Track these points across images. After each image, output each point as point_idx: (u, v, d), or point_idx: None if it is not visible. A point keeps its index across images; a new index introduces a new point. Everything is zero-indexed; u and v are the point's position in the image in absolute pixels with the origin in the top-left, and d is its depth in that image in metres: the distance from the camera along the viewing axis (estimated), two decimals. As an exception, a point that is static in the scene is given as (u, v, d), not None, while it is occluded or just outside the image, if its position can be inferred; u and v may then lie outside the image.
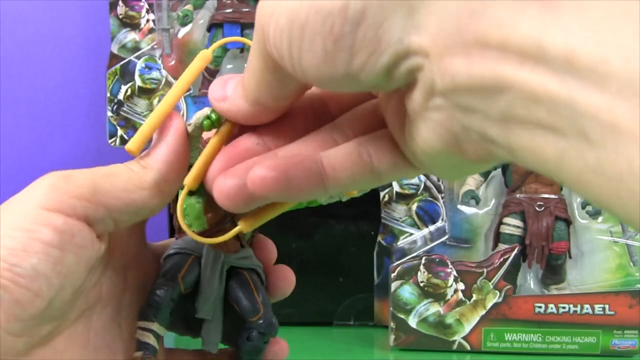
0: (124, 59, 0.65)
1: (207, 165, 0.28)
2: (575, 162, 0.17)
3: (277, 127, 0.27)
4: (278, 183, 0.24)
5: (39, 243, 0.25)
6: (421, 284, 0.60)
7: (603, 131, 0.16)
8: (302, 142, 0.26)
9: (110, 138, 0.65)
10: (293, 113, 0.27)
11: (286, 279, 0.34)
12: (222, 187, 0.25)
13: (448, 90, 0.20)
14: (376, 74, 0.21)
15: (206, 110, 0.29)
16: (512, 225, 0.60)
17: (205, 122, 0.29)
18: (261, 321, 0.32)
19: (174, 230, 0.34)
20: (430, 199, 0.62)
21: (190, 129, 0.30)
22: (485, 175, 0.61)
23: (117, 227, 0.28)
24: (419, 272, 0.60)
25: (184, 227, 0.30)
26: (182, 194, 0.29)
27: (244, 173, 0.25)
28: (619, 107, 0.16)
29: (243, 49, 0.65)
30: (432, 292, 0.60)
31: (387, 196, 0.63)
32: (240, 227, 0.29)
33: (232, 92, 0.26)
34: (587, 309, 0.59)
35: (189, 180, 0.29)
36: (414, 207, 0.63)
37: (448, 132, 0.21)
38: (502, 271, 0.60)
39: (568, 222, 0.60)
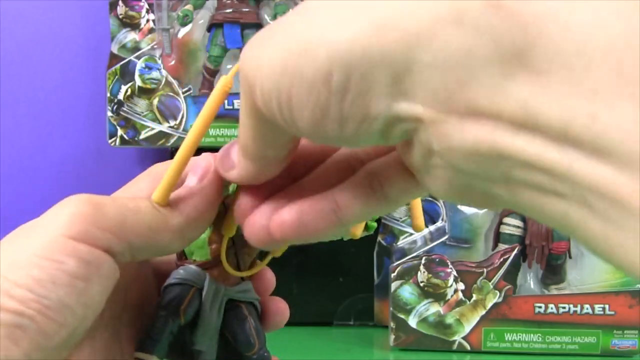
0: (124, 59, 0.65)
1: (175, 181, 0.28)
2: (580, 225, 0.17)
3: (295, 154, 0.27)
4: (295, 228, 0.24)
5: (66, 275, 0.25)
6: (421, 284, 0.60)
7: (607, 204, 0.16)
8: (321, 172, 0.27)
9: (110, 138, 0.65)
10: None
11: (280, 312, 0.34)
12: (253, 228, 0.26)
13: (445, 152, 0.19)
14: (370, 138, 0.21)
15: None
16: (512, 225, 0.60)
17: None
18: (255, 357, 0.33)
19: None
20: (430, 199, 0.62)
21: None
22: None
23: (133, 260, 0.29)
24: (419, 272, 0.60)
25: (226, 266, 0.31)
26: (224, 244, 0.31)
27: (270, 214, 0.25)
28: (621, 181, 0.15)
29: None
30: (432, 292, 0.60)
31: (387, 196, 0.63)
32: (272, 254, 0.31)
33: (235, 157, 0.26)
34: (587, 309, 0.59)
35: (227, 229, 0.30)
36: (414, 207, 0.63)
37: (452, 186, 0.21)
38: (502, 271, 0.60)
39: (568, 222, 0.60)
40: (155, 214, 0.28)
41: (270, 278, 0.34)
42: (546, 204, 0.18)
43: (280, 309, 0.34)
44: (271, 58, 0.21)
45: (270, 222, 0.25)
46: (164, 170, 0.31)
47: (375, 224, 0.33)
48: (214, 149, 0.30)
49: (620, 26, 0.16)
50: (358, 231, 0.31)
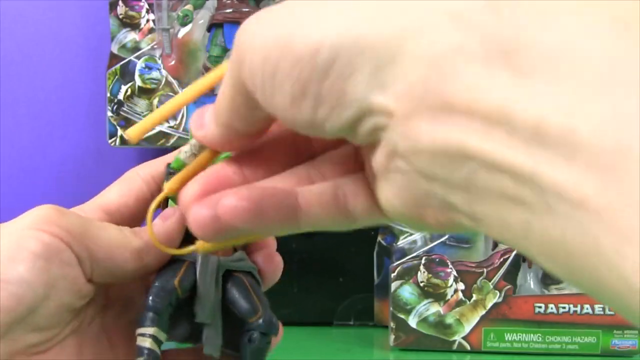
0: (124, 59, 0.65)
1: (154, 123, 0.30)
2: (539, 235, 0.17)
3: (257, 159, 0.27)
4: (249, 213, 0.23)
5: (25, 252, 0.27)
6: (421, 284, 0.60)
7: (568, 207, 0.16)
8: (279, 177, 0.26)
9: (110, 138, 0.65)
10: (275, 146, 0.27)
11: (270, 260, 0.34)
12: (197, 216, 0.25)
13: (409, 153, 0.19)
14: (340, 127, 0.21)
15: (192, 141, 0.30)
16: (512, 225, 0.60)
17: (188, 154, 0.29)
18: (261, 321, 0.32)
19: None
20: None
21: (183, 156, 0.30)
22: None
23: (92, 277, 0.29)
24: (419, 272, 0.60)
25: (150, 233, 0.30)
26: (160, 197, 0.30)
27: (219, 199, 0.24)
28: (585, 182, 0.15)
29: (243, 49, 0.65)
30: (432, 292, 0.60)
31: (387, 196, 0.63)
32: (196, 246, 0.29)
33: (207, 119, 0.26)
34: (587, 309, 0.59)
35: (170, 188, 0.30)
36: (414, 207, 0.63)
37: (409, 195, 0.21)
38: (502, 271, 0.60)
39: (568, 222, 0.60)
40: (119, 233, 0.30)
41: (277, 261, 0.35)
42: (506, 214, 0.17)
43: (269, 254, 0.34)
44: (265, 32, 0.22)
45: (219, 207, 0.23)
46: (136, 176, 0.32)
47: None
48: None
49: (605, 36, 0.16)
50: None
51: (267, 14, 0.22)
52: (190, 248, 0.30)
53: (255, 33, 0.22)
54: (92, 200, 0.32)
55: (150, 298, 0.31)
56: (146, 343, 0.30)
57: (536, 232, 0.17)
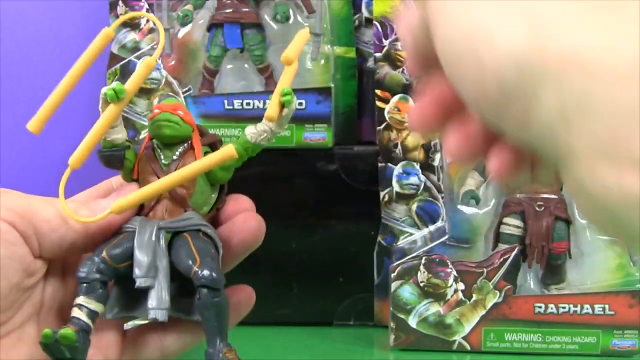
0: (124, 59, 0.65)
1: (92, 144, 0.33)
2: None
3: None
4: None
5: None
6: (421, 284, 0.60)
7: None
8: None
9: (110, 138, 0.65)
10: None
11: (249, 219, 0.34)
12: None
13: (599, 199, 0.19)
14: (519, 141, 0.21)
15: (112, 84, 0.32)
16: (512, 225, 0.60)
17: (109, 92, 0.32)
18: (199, 273, 0.31)
19: None
20: (430, 199, 0.62)
21: (100, 103, 0.33)
22: (485, 175, 0.61)
23: (41, 253, 0.29)
24: (419, 272, 0.60)
25: (63, 205, 0.31)
26: (66, 174, 0.31)
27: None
28: None
29: (243, 49, 0.65)
30: (432, 292, 0.60)
31: (387, 196, 0.63)
32: (111, 209, 0.30)
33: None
34: (587, 309, 0.59)
35: (74, 160, 0.32)
36: (414, 207, 0.63)
37: (598, 217, 0.21)
38: (502, 271, 0.60)
39: (568, 222, 0.60)
40: (67, 206, 0.30)
41: (245, 201, 0.35)
42: None
43: (239, 204, 0.35)
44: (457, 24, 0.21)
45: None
46: (108, 181, 0.33)
47: (291, 100, 0.33)
48: None
49: None
50: (274, 114, 0.32)
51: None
52: (104, 214, 0.30)
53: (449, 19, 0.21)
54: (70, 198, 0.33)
55: (79, 270, 0.31)
56: (73, 312, 0.31)
57: None
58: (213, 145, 0.35)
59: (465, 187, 0.61)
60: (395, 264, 0.61)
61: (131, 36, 0.65)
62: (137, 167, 0.34)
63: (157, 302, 0.31)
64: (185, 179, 0.31)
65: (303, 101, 0.63)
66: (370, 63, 0.69)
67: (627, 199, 0.18)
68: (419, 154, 0.62)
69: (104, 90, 0.32)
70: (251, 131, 0.34)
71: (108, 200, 0.32)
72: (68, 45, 0.76)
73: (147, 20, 0.65)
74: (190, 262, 0.31)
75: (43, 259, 0.30)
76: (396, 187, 0.63)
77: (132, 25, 0.66)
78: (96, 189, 0.34)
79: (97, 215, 0.30)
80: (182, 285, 0.33)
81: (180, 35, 0.65)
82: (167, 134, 0.34)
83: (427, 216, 0.63)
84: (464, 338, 0.60)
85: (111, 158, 0.33)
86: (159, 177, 0.33)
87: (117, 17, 0.65)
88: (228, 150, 0.31)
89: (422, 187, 0.62)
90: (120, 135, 0.33)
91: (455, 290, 0.60)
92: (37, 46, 0.76)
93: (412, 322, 0.61)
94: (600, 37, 0.18)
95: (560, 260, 0.60)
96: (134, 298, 0.33)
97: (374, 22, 0.62)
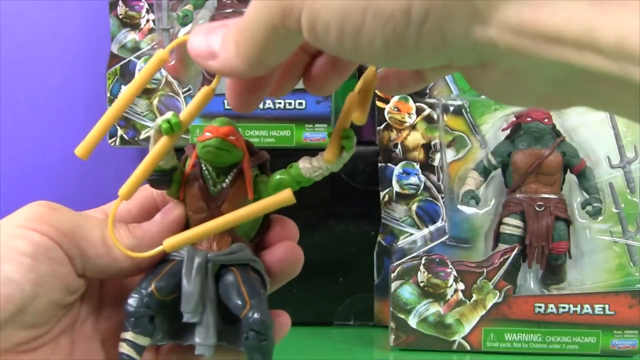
0: (124, 59, 0.65)
1: (143, 178, 0.30)
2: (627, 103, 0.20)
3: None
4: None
5: (13, 251, 0.27)
6: (421, 284, 0.60)
7: None
8: None
9: (110, 138, 0.65)
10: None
11: (291, 252, 0.34)
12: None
13: (526, 68, 0.21)
14: (441, 63, 0.22)
15: (168, 114, 0.29)
16: (512, 225, 0.60)
17: (164, 125, 0.29)
18: (250, 316, 0.31)
19: None
20: (430, 199, 0.62)
21: (152, 132, 0.30)
22: (485, 175, 0.61)
23: (84, 273, 0.29)
24: (419, 272, 0.60)
25: (113, 239, 0.30)
26: (115, 205, 0.30)
27: None
28: None
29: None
30: (432, 292, 0.60)
31: (387, 196, 0.63)
32: (163, 247, 0.29)
33: (222, 50, 0.26)
34: (587, 309, 0.59)
35: (125, 192, 0.30)
36: (414, 207, 0.63)
37: (531, 94, 0.23)
38: (502, 271, 0.60)
39: (568, 222, 0.60)
40: (118, 241, 0.30)
41: (291, 227, 0.34)
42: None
43: (287, 253, 0.34)
44: None
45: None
46: (148, 187, 0.32)
47: (352, 145, 0.31)
48: None
49: None
50: (333, 157, 0.31)
51: None
52: (156, 250, 0.30)
53: None
54: (100, 207, 0.33)
55: (127, 302, 0.31)
56: (122, 348, 0.30)
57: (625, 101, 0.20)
58: (263, 165, 0.34)
59: (465, 187, 0.61)
60: (395, 264, 0.61)
61: (131, 36, 0.65)
62: (184, 187, 0.33)
63: (204, 339, 0.32)
64: (241, 221, 0.30)
65: (303, 101, 0.63)
66: (370, 63, 0.69)
67: (543, 64, 0.21)
68: (419, 154, 0.62)
69: (159, 122, 0.30)
70: (306, 165, 0.32)
71: (154, 225, 0.31)
72: (68, 45, 0.76)
73: (147, 20, 0.65)
74: (240, 302, 0.31)
75: (85, 278, 0.30)
76: (396, 187, 0.63)
77: (132, 25, 0.66)
78: (138, 202, 0.33)
79: (148, 252, 0.30)
80: (226, 313, 0.33)
81: (180, 35, 0.65)
82: (217, 162, 0.32)
83: (427, 216, 0.63)
84: (464, 338, 0.60)
85: (159, 181, 0.32)
86: (207, 205, 0.32)
87: (117, 17, 0.65)
88: (286, 197, 0.30)
89: (422, 187, 0.62)
90: (170, 163, 0.32)
91: (455, 290, 0.60)
92: (37, 46, 0.76)
93: (412, 322, 0.61)
94: None
95: (560, 260, 0.60)
96: (179, 325, 0.32)
97: (374, 22, 0.62)
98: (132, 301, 0.31)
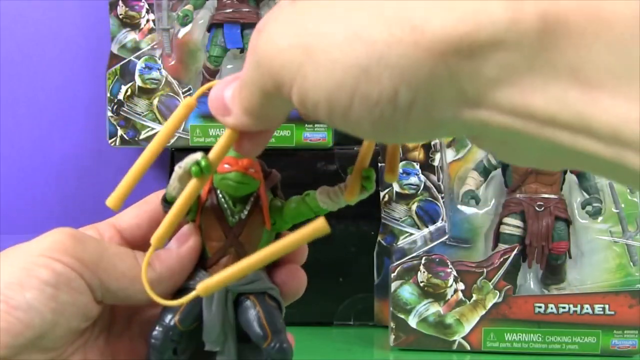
0: (124, 59, 0.65)
1: (176, 223, 0.30)
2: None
3: None
4: None
5: (35, 280, 0.27)
6: (421, 284, 0.60)
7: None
8: None
9: (110, 138, 0.65)
10: None
11: (293, 276, 0.34)
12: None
13: (508, 144, 0.21)
14: (433, 138, 0.23)
15: (197, 156, 0.29)
16: (512, 225, 0.60)
17: (193, 168, 0.29)
18: (272, 347, 0.31)
19: None
20: (430, 199, 0.62)
21: (180, 172, 0.30)
22: (485, 175, 0.61)
23: (103, 299, 0.30)
24: (419, 272, 0.60)
25: (145, 285, 0.30)
26: (149, 253, 0.30)
27: None
28: None
29: (243, 49, 0.65)
30: (432, 292, 0.60)
31: (387, 196, 0.63)
32: (198, 291, 0.29)
33: (233, 106, 0.26)
34: (587, 309, 0.59)
35: (157, 239, 0.30)
36: (414, 207, 0.63)
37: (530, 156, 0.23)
38: (502, 271, 0.60)
39: (568, 222, 0.60)
40: (134, 264, 0.30)
41: (300, 277, 0.34)
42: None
43: (293, 273, 0.34)
44: (318, 68, 0.21)
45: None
46: (154, 199, 0.33)
47: (373, 186, 0.32)
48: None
49: None
50: (353, 196, 0.31)
51: (294, 28, 0.22)
52: (192, 295, 0.29)
53: (301, 64, 0.22)
54: (108, 219, 0.33)
55: (151, 335, 0.31)
56: None
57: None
58: (275, 188, 0.34)
59: (465, 187, 0.61)
60: (395, 264, 0.61)
61: (131, 36, 0.65)
62: (200, 214, 0.33)
63: None
64: (276, 257, 0.30)
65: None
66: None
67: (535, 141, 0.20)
68: (419, 154, 0.62)
69: (188, 164, 0.29)
70: (324, 200, 0.32)
71: (172, 257, 0.31)
72: (68, 45, 0.76)
73: (147, 20, 0.66)
74: (261, 333, 0.32)
75: (102, 304, 0.30)
76: (396, 187, 0.63)
77: (132, 25, 0.66)
78: (148, 216, 0.33)
79: (180, 300, 0.30)
80: (246, 342, 0.33)
81: (180, 35, 0.65)
82: (236, 195, 0.32)
83: (427, 216, 0.63)
84: (464, 338, 0.60)
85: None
86: (225, 235, 0.32)
87: (117, 17, 0.65)
88: (321, 227, 0.29)
89: (422, 187, 0.62)
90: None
91: (455, 290, 0.60)
92: (37, 46, 0.76)
93: (412, 322, 0.61)
94: None
95: (560, 260, 0.60)
96: (201, 351, 0.33)
97: (374, 22, 0.62)
98: (157, 334, 0.31)
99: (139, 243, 0.32)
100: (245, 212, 0.32)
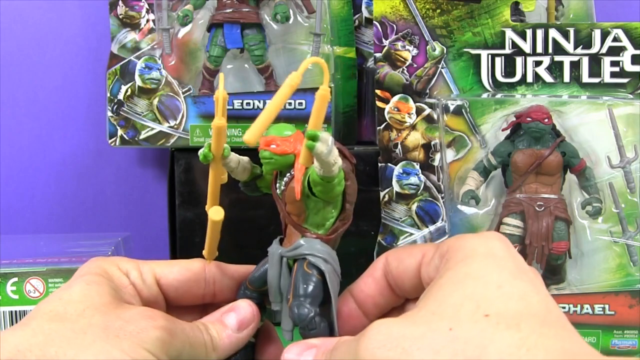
0: (124, 59, 0.65)
1: (216, 241, 0.38)
2: None
3: None
4: None
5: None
6: (421, 284, 0.60)
7: None
8: None
9: (110, 138, 0.65)
10: None
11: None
12: None
13: None
14: None
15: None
16: (512, 225, 0.60)
17: (200, 156, 0.35)
18: (291, 309, 0.35)
19: (175, 246, 0.42)
20: (430, 199, 0.62)
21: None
22: (485, 175, 0.61)
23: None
24: (419, 272, 0.60)
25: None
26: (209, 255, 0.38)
27: None
28: None
29: (243, 49, 0.65)
30: (432, 292, 0.60)
31: (387, 196, 0.63)
32: (206, 259, 0.37)
33: None
34: (587, 309, 0.59)
35: (209, 254, 0.38)
36: (414, 207, 0.63)
37: None
38: (502, 271, 0.60)
39: (568, 222, 0.60)
40: (202, 343, 0.34)
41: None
42: None
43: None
44: None
45: None
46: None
47: (312, 145, 0.32)
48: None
49: None
50: (306, 161, 0.34)
51: None
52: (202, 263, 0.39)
53: None
54: (150, 264, 0.38)
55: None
56: None
57: None
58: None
59: (465, 187, 0.61)
60: (395, 264, 0.61)
61: (131, 36, 0.65)
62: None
63: (285, 324, 0.36)
64: (278, 106, 0.32)
65: (303, 101, 0.63)
66: (370, 63, 0.69)
67: None
68: (419, 154, 0.62)
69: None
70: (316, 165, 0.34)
71: (231, 340, 0.36)
72: (68, 45, 0.76)
73: (147, 20, 0.66)
74: (287, 295, 0.36)
75: None
76: (396, 187, 0.63)
77: (132, 25, 0.66)
78: (186, 277, 0.38)
79: None
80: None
81: (180, 35, 0.65)
82: (267, 171, 0.37)
83: (427, 216, 0.63)
84: (464, 338, 0.60)
85: (248, 192, 0.38)
86: (279, 206, 0.37)
87: (117, 17, 0.65)
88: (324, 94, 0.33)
89: (422, 187, 0.62)
90: (245, 176, 0.37)
91: (455, 290, 0.60)
92: (37, 46, 0.76)
93: (412, 322, 0.61)
94: None
95: (560, 260, 0.60)
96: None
97: (374, 22, 0.62)
98: (238, 290, 0.38)
99: (171, 297, 0.38)
100: (284, 184, 0.36)
